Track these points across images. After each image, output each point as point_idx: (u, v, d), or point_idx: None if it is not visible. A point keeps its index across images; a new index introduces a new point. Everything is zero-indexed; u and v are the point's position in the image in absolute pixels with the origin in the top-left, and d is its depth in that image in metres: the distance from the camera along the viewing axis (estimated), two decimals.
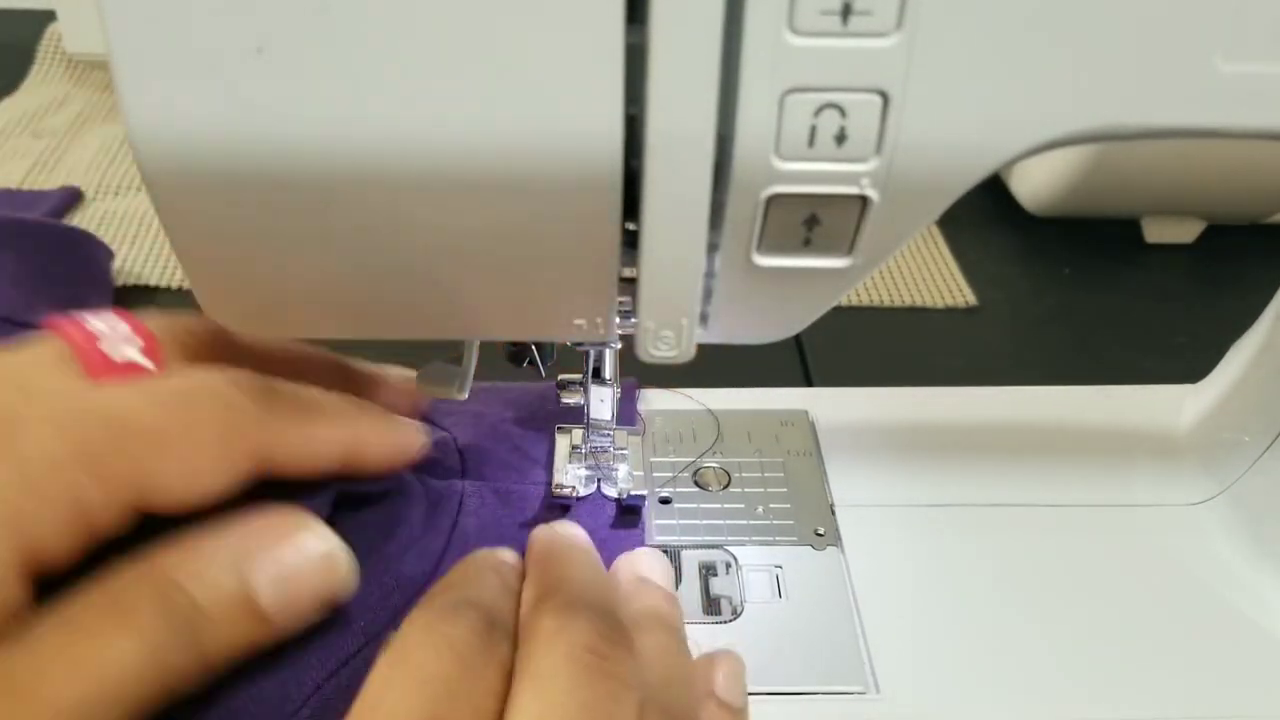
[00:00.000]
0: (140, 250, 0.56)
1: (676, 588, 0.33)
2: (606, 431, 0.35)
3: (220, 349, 0.28)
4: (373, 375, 0.33)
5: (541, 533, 0.32)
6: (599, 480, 0.35)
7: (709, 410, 0.40)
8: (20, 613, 0.22)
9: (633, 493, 0.34)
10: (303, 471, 0.27)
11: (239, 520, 0.25)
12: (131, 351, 0.26)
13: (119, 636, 0.22)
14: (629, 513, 0.34)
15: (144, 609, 0.22)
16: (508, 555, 0.30)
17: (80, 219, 0.59)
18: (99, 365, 0.25)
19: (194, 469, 0.25)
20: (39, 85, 0.72)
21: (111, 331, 0.26)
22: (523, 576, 0.30)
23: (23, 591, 0.22)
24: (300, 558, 0.25)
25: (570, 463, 0.35)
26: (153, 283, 0.54)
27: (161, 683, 0.22)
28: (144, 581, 0.23)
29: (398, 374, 0.34)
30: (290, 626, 0.26)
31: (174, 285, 0.54)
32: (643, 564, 0.32)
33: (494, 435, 0.37)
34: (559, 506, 0.34)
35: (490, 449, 0.36)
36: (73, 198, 0.60)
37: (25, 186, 0.61)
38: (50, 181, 0.62)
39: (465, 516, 0.34)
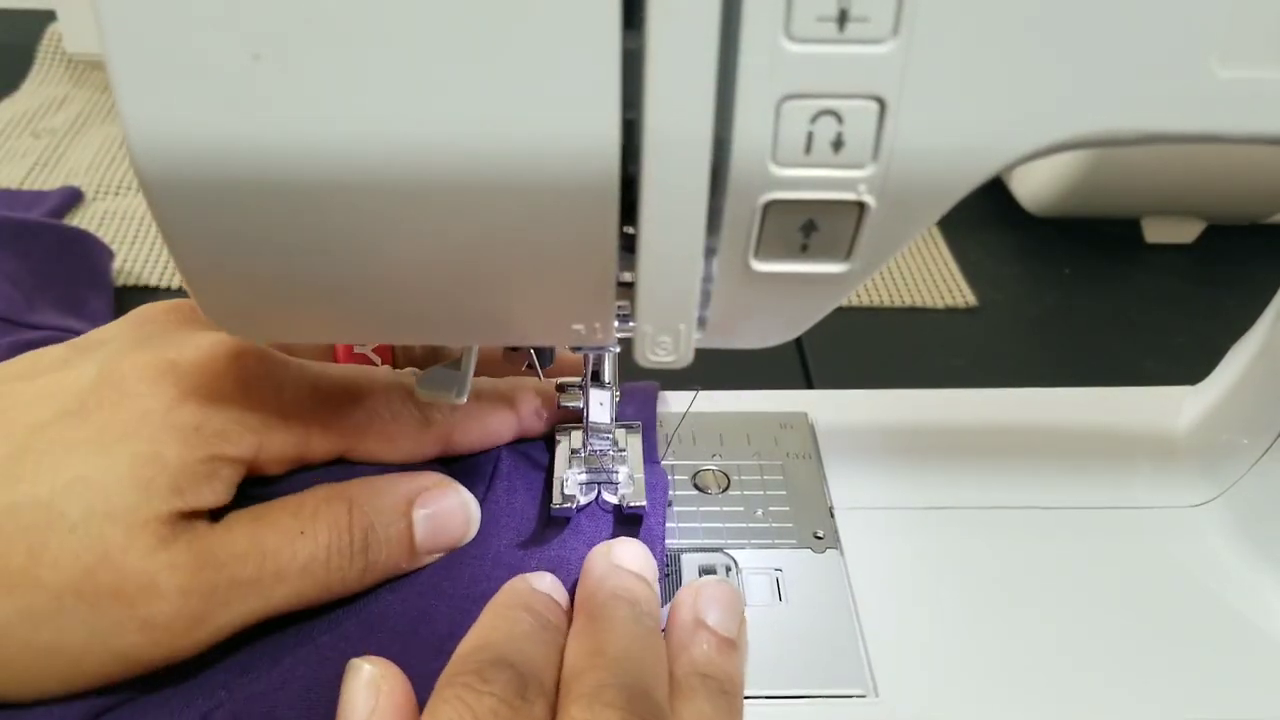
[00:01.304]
0: (140, 250, 0.56)
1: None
2: (606, 435, 0.35)
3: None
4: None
5: (595, 567, 0.31)
6: (599, 486, 0.35)
7: (714, 412, 0.40)
8: (231, 492, 0.29)
9: (632, 503, 0.34)
10: (474, 451, 0.35)
11: (406, 473, 0.32)
12: (369, 349, 0.36)
13: (298, 533, 0.28)
14: (630, 522, 0.34)
15: (324, 516, 0.29)
16: (544, 583, 0.30)
17: (80, 219, 0.59)
18: (346, 351, 0.35)
19: (393, 443, 0.32)
20: (39, 85, 0.72)
21: None
22: (565, 606, 0.30)
23: (239, 479, 0.29)
24: (448, 506, 0.32)
25: (570, 467, 0.35)
26: (153, 283, 0.54)
27: (325, 580, 0.29)
28: (333, 499, 0.30)
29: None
30: (425, 561, 0.32)
31: (174, 285, 0.54)
32: (705, 600, 0.30)
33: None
34: (559, 520, 0.34)
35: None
36: (73, 198, 0.60)
37: (25, 186, 0.61)
38: (50, 181, 0.62)
39: (499, 479, 0.35)
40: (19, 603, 0.25)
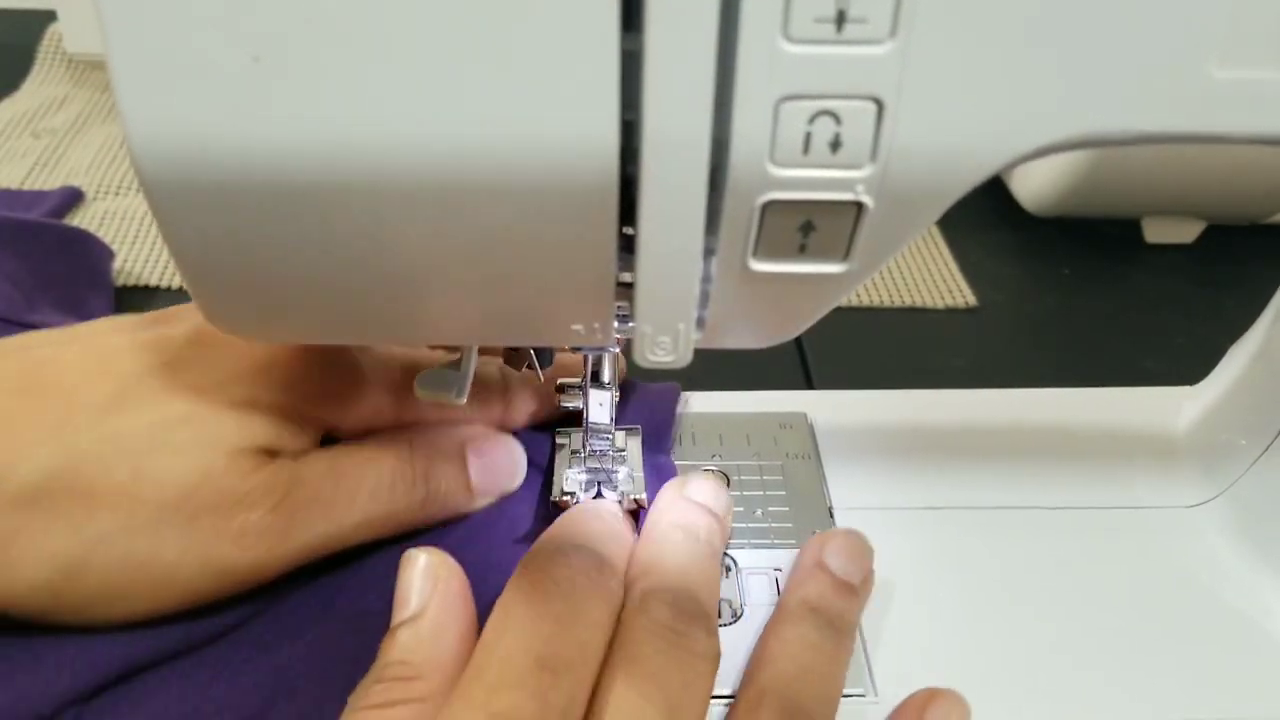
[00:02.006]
0: (140, 250, 0.56)
1: None
2: (605, 435, 0.35)
3: None
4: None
5: (662, 499, 0.33)
6: (599, 484, 0.35)
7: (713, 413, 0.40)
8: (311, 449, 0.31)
9: (634, 498, 0.34)
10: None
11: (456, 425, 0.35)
12: None
13: (366, 460, 0.31)
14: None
15: (389, 448, 0.32)
16: (610, 505, 0.33)
17: (80, 219, 0.59)
18: None
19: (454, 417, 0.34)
20: (39, 85, 0.72)
21: None
22: (629, 524, 0.33)
23: (318, 439, 0.32)
24: (500, 454, 0.35)
25: (570, 467, 0.35)
26: (153, 283, 0.54)
27: (390, 506, 0.31)
28: (396, 437, 0.33)
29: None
30: (479, 506, 0.34)
31: (174, 286, 0.54)
32: (831, 547, 0.31)
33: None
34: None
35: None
36: (73, 198, 0.60)
37: (25, 186, 0.61)
38: (50, 181, 0.62)
39: None
40: (121, 518, 0.27)
